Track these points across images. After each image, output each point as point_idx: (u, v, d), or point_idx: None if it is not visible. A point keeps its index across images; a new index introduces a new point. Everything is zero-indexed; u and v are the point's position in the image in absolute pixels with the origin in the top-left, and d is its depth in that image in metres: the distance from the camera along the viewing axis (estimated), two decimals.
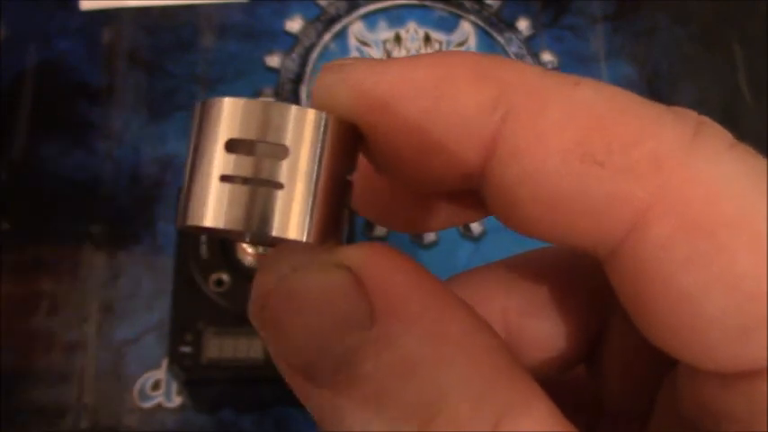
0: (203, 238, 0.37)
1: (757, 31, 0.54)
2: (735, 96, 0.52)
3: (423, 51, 0.52)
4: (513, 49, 0.52)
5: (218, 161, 0.13)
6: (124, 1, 0.51)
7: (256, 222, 0.13)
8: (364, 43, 0.52)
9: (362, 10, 0.53)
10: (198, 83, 0.50)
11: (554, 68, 0.52)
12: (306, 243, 0.14)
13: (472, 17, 0.53)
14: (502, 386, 0.13)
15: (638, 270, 0.13)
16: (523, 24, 0.53)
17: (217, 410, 0.42)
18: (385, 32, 0.52)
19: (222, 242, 0.37)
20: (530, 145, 0.13)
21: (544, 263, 0.18)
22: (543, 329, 0.17)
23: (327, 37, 0.52)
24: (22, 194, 0.46)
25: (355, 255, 0.14)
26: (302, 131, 0.14)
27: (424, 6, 0.53)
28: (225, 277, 0.37)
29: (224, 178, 0.13)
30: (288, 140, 0.13)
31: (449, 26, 0.53)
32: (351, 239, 0.39)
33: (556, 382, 0.14)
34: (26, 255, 0.45)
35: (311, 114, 0.14)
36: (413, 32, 0.52)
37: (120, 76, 0.50)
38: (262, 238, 0.15)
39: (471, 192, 0.15)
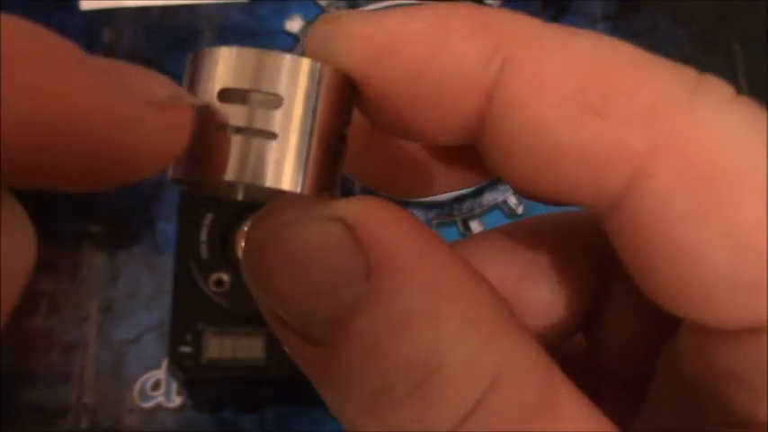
0: (203, 237, 0.37)
1: (757, 31, 0.54)
2: None
3: None
4: None
5: (209, 111, 0.13)
6: (124, 1, 0.51)
7: (250, 173, 0.13)
8: None
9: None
10: None
11: None
12: (300, 194, 0.13)
13: None
14: (500, 339, 0.13)
15: (639, 224, 0.13)
16: None
17: (217, 410, 0.42)
18: None
19: (222, 242, 0.37)
20: (527, 95, 0.13)
21: (542, 229, 0.17)
22: (541, 296, 0.17)
23: None
24: (22, 194, 0.46)
25: (351, 208, 0.13)
26: (296, 81, 0.13)
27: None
28: (225, 277, 0.37)
29: (216, 128, 0.13)
30: (282, 90, 0.13)
31: None
32: None
33: (555, 350, 0.14)
34: None
35: (306, 63, 0.13)
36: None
37: None
38: (255, 189, 0.15)
39: (469, 153, 0.15)
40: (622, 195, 0.13)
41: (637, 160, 0.12)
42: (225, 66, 0.13)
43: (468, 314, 0.13)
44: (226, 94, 0.13)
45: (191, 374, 0.36)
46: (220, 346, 0.37)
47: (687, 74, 0.13)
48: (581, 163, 0.13)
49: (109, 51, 0.50)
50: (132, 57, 0.50)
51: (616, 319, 0.17)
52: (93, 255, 0.45)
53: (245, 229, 0.37)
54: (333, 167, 0.14)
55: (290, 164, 0.13)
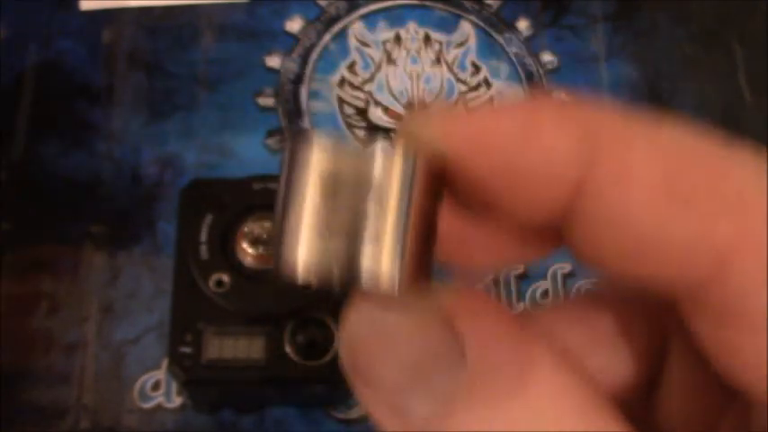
0: (203, 237, 0.37)
1: (757, 31, 0.54)
2: (735, 96, 0.52)
3: (423, 51, 0.52)
4: (513, 49, 0.52)
5: (308, 204, 0.14)
6: (124, 1, 0.51)
7: (344, 271, 0.13)
8: (364, 44, 0.52)
9: (362, 10, 0.53)
10: (198, 83, 0.50)
11: (554, 68, 0.52)
12: (396, 291, 0.14)
13: (472, 17, 0.53)
14: (592, 422, 0.13)
15: (722, 313, 0.13)
16: (523, 24, 0.53)
17: (217, 410, 0.42)
18: (385, 32, 0.52)
19: (222, 242, 0.37)
20: (616, 184, 0.13)
21: (606, 299, 0.18)
22: (604, 364, 0.18)
23: (327, 37, 0.52)
24: (22, 194, 0.46)
25: (445, 298, 0.14)
26: (390, 172, 0.14)
27: (424, 6, 0.53)
28: (225, 277, 0.37)
29: (311, 226, 0.14)
30: (377, 183, 0.13)
31: (449, 26, 0.53)
32: None
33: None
34: (26, 255, 0.45)
35: (399, 154, 0.14)
36: (413, 32, 0.52)
37: (120, 76, 0.50)
38: (352, 284, 0.15)
39: (546, 229, 0.15)
40: (706, 285, 0.13)
41: (722, 250, 0.13)
42: (321, 157, 0.14)
43: (562, 403, 0.14)
44: (322, 187, 0.14)
45: (191, 374, 0.36)
46: (220, 347, 0.37)
47: (757, 161, 0.14)
48: (666, 251, 0.13)
49: (109, 51, 0.50)
50: (132, 57, 0.50)
51: (678, 387, 0.17)
52: (93, 255, 0.45)
53: (246, 228, 0.37)
54: (427, 258, 0.14)
55: (386, 262, 0.13)
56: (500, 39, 0.52)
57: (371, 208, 0.13)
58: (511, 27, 0.53)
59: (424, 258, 0.14)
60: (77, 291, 0.44)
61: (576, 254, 0.15)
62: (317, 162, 0.14)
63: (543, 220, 0.15)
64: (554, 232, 0.15)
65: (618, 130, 0.14)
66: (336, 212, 0.13)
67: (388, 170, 0.13)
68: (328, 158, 0.14)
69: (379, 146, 0.14)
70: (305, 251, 0.14)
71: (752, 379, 0.13)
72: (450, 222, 0.17)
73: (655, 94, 0.52)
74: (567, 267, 0.46)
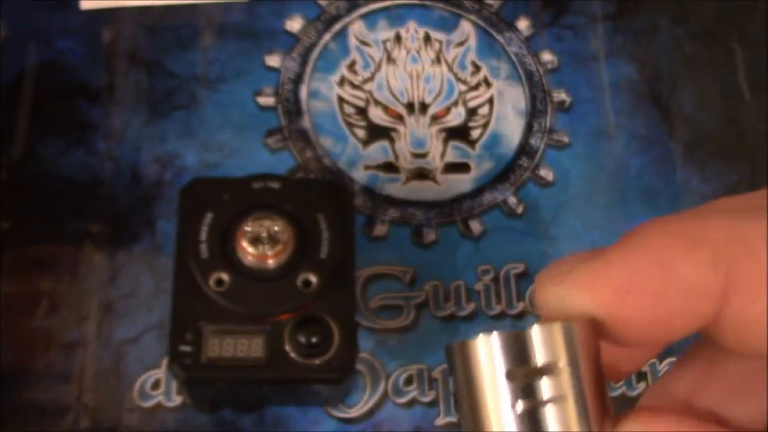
0: (203, 236, 0.37)
1: (757, 31, 0.54)
2: (735, 96, 0.52)
3: (423, 51, 0.52)
4: (513, 48, 0.52)
5: (501, 398, 0.15)
6: (124, 0, 0.51)
7: None
8: (364, 43, 0.52)
9: (362, 9, 0.53)
10: (198, 82, 0.50)
11: (554, 68, 0.52)
12: None
13: (472, 17, 0.53)
14: None
15: None
16: (523, 24, 0.53)
17: (217, 410, 0.42)
18: (385, 32, 0.52)
19: (222, 242, 0.37)
20: (756, 292, 0.15)
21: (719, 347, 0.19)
22: (748, 411, 0.18)
23: (327, 36, 0.52)
24: (22, 194, 0.46)
25: (633, 426, 0.16)
26: (556, 346, 0.15)
27: (424, 6, 0.53)
28: (225, 277, 0.37)
29: (506, 408, 0.15)
30: (549, 359, 0.15)
31: (449, 25, 0.53)
32: (350, 240, 0.39)
33: None
34: (26, 254, 0.45)
35: (558, 328, 0.15)
36: (413, 32, 0.52)
37: (120, 75, 0.50)
38: None
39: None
40: None
41: None
42: (495, 354, 0.15)
43: None
44: (507, 378, 0.15)
45: (191, 373, 0.36)
46: (220, 346, 0.37)
47: None
48: None
49: (109, 51, 0.50)
50: (132, 56, 0.50)
51: None
52: (93, 254, 0.45)
53: (246, 227, 0.37)
54: (606, 403, 0.16)
55: (574, 424, 0.15)
56: (500, 38, 0.52)
57: (555, 384, 0.15)
58: (511, 27, 0.53)
59: (605, 403, 0.16)
60: (77, 290, 0.44)
61: (729, 348, 0.16)
62: (484, 364, 0.15)
63: (686, 335, 0.16)
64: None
65: (742, 239, 0.15)
66: (528, 395, 0.15)
67: (558, 350, 0.15)
68: (492, 358, 0.15)
69: (542, 331, 0.15)
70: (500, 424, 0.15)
71: None
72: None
73: (655, 94, 0.52)
74: None
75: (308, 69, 0.51)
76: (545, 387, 0.15)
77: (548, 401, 0.15)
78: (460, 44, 0.52)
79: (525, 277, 0.46)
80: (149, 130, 0.48)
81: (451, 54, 0.52)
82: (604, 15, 0.54)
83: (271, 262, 0.37)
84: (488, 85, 0.51)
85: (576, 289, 0.16)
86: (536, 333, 0.15)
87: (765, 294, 0.15)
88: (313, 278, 0.37)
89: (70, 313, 0.44)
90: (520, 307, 0.46)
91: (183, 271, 0.37)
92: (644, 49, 0.53)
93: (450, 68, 0.51)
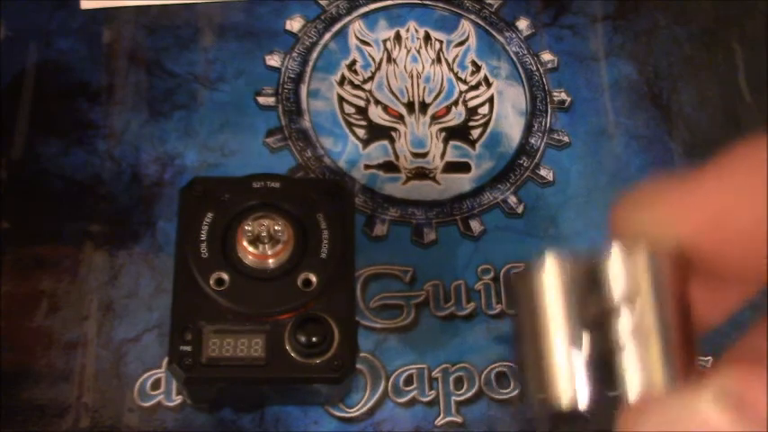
0: (203, 236, 0.37)
1: (757, 31, 0.54)
2: (735, 96, 0.52)
3: (423, 50, 0.52)
4: (513, 48, 0.52)
5: (568, 334, 0.13)
6: (124, 0, 0.51)
7: (627, 385, 0.13)
8: (365, 42, 0.52)
9: (363, 9, 0.53)
10: (198, 82, 0.50)
11: (554, 68, 0.52)
12: (677, 388, 0.14)
13: (472, 16, 0.53)
14: None
15: None
16: (523, 24, 0.53)
17: (217, 410, 0.42)
18: (385, 32, 0.52)
19: (222, 241, 0.37)
20: None
21: None
22: None
23: (328, 36, 0.52)
24: (22, 194, 0.46)
25: (727, 381, 0.14)
26: (638, 275, 0.13)
27: (424, 5, 0.53)
28: (225, 276, 0.37)
29: (579, 354, 0.13)
30: (631, 289, 0.13)
31: (449, 25, 0.53)
32: (350, 240, 0.39)
33: None
34: (26, 254, 0.45)
35: (643, 257, 0.13)
36: (413, 32, 0.52)
37: (120, 75, 0.50)
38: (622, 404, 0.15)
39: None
40: None
41: None
42: (565, 282, 0.14)
43: None
44: (577, 310, 0.13)
45: (191, 373, 0.36)
46: (220, 346, 0.36)
47: None
48: None
49: (109, 51, 0.50)
50: (132, 56, 0.50)
51: None
52: (93, 254, 0.45)
53: (246, 227, 0.37)
54: (693, 344, 0.14)
55: (657, 368, 0.13)
56: (500, 38, 0.52)
57: (633, 321, 0.13)
58: (511, 26, 0.53)
59: (691, 347, 0.14)
60: (77, 290, 0.44)
61: None
62: (558, 283, 0.14)
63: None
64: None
65: None
66: (602, 342, 0.13)
67: (632, 277, 0.13)
68: (567, 276, 0.14)
69: (622, 259, 0.13)
70: (580, 378, 0.13)
71: None
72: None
73: (655, 94, 0.52)
74: None
75: (309, 69, 0.51)
76: (623, 320, 0.13)
77: (626, 336, 0.13)
78: (460, 44, 0.52)
79: None
80: (149, 130, 0.48)
81: (451, 54, 0.52)
82: (604, 15, 0.54)
83: (271, 262, 0.37)
84: (488, 84, 0.51)
85: (666, 214, 0.14)
86: (616, 261, 0.13)
87: None
88: (313, 278, 0.37)
89: (70, 313, 0.44)
90: None
91: (184, 271, 0.37)
92: (644, 49, 0.53)
93: (451, 68, 0.51)
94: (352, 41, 0.52)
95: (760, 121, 0.51)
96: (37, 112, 0.48)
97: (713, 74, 0.53)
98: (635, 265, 0.13)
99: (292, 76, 0.50)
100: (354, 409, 0.43)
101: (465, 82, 0.51)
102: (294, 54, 0.51)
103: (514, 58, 0.52)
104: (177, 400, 0.42)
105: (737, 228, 0.14)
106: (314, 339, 0.36)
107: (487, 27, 0.53)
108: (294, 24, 0.52)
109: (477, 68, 0.52)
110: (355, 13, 0.52)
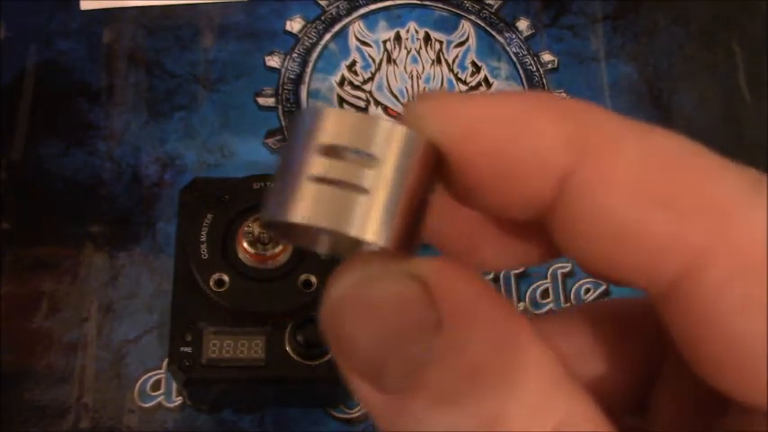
0: (203, 237, 0.37)
1: (757, 31, 0.54)
2: (735, 96, 0.52)
3: (423, 51, 0.52)
4: (513, 49, 0.52)
5: (310, 162, 0.14)
6: (124, 1, 0.51)
7: (339, 221, 0.14)
8: (365, 43, 0.52)
9: (362, 10, 0.53)
10: (198, 83, 0.50)
11: (554, 68, 0.52)
12: (381, 247, 0.14)
13: (472, 17, 0.53)
14: (562, 396, 0.14)
15: (693, 311, 0.14)
16: (523, 24, 0.53)
17: (217, 410, 0.42)
18: (385, 32, 0.52)
19: (222, 242, 0.37)
20: (600, 183, 0.14)
21: (604, 311, 0.18)
22: (597, 373, 0.18)
23: (328, 37, 0.52)
24: (22, 194, 0.46)
25: (427, 266, 0.14)
26: (391, 145, 0.14)
27: (425, 6, 0.53)
28: (225, 277, 0.37)
29: (313, 179, 0.14)
30: (377, 151, 0.14)
31: (449, 26, 0.53)
32: None
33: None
34: (26, 255, 0.45)
35: (401, 130, 0.14)
36: (413, 32, 0.52)
37: (120, 75, 0.50)
38: (339, 242, 0.16)
39: (539, 231, 0.16)
40: (678, 283, 0.14)
41: (694, 252, 0.13)
42: (327, 123, 0.14)
43: (532, 371, 0.14)
44: (326, 150, 0.14)
45: (191, 374, 0.36)
46: (220, 346, 0.37)
47: (748, 174, 0.14)
48: (641, 249, 0.14)
49: (109, 51, 0.50)
50: (132, 57, 0.50)
51: (670, 401, 0.18)
52: (93, 255, 0.45)
53: (246, 228, 0.37)
54: (414, 228, 0.15)
55: (376, 218, 0.14)
56: (500, 38, 0.52)
57: (371, 175, 0.14)
58: (511, 27, 0.53)
59: (411, 229, 0.15)
60: (77, 291, 0.44)
61: (560, 247, 0.15)
62: (321, 126, 0.14)
63: (530, 213, 0.15)
64: (546, 236, 0.15)
65: (609, 129, 0.14)
66: (334, 172, 0.14)
67: (388, 149, 0.14)
68: (333, 124, 0.14)
69: (386, 125, 0.14)
70: (302, 197, 0.14)
71: (719, 374, 0.14)
72: (451, 218, 0.18)
73: (655, 94, 0.52)
74: (567, 267, 0.46)
75: (309, 70, 0.51)
76: (358, 173, 0.14)
77: (355, 188, 0.14)
78: (460, 44, 0.52)
79: (525, 277, 0.46)
80: (149, 131, 0.48)
81: (451, 54, 0.52)
82: (604, 15, 0.54)
83: (271, 262, 0.37)
84: (488, 85, 0.51)
85: (433, 112, 0.15)
86: (376, 123, 0.14)
87: (598, 193, 0.14)
88: (313, 278, 0.37)
89: (71, 314, 0.44)
90: (520, 307, 0.46)
91: (184, 271, 0.37)
92: (644, 49, 0.53)
93: (451, 69, 0.51)
94: (352, 42, 0.52)
95: (760, 121, 0.51)
96: (37, 113, 0.48)
97: (713, 74, 0.53)
98: (390, 133, 0.14)
99: (292, 76, 0.50)
100: (355, 411, 0.43)
101: (465, 83, 0.51)
102: (294, 55, 0.51)
103: (514, 59, 0.52)
104: (177, 401, 0.42)
105: (483, 147, 0.15)
106: (314, 340, 0.36)
107: (487, 28, 0.53)
108: (294, 25, 0.52)
109: (478, 69, 0.52)
110: (355, 14, 0.52)
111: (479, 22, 0.53)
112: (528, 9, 0.54)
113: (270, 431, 0.42)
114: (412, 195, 0.14)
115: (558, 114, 0.14)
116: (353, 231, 0.14)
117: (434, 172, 0.15)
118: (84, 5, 0.51)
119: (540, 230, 0.16)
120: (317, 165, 0.14)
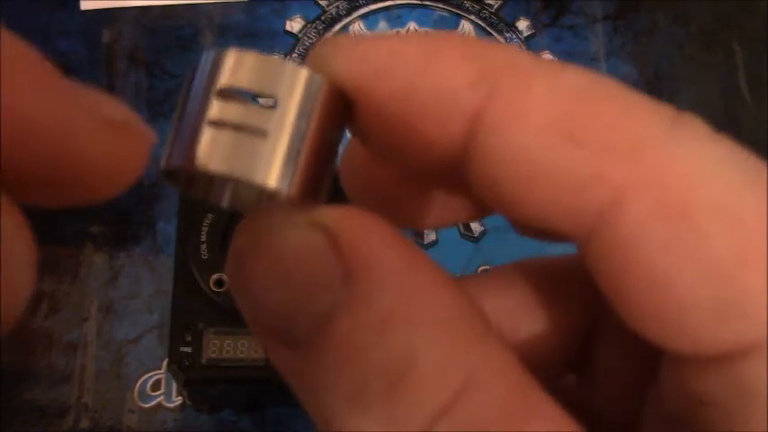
0: (203, 237, 0.37)
1: (757, 31, 0.54)
2: (735, 96, 0.52)
3: None
4: None
5: (209, 106, 0.13)
6: (125, 1, 0.51)
7: (238, 167, 0.13)
8: None
9: (363, 10, 0.53)
10: None
11: None
12: (285, 196, 0.13)
13: (472, 17, 0.53)
14: (473, 344, 0.13)
15: (615, 252, 0.13)
16: (523, 24, 0.53)
17: (217, 410, 0.42)
18: (385, 32, 0.52)
19: (222, 242, 0.37)
20: (511, 121, 0.13)
21: (539, 269, 0.18)
22: (533, 331, 0.17)
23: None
24: None
25: (331, 215, 0.13)
26: (294, 88, 0.13)
27: (424, 6, 0.53)
28: (225, 277, 0.37)
29: (212, 123, 0.13)
30: (279, 94, 0.13)
31: (449, 26, 0.53)
32: None
33: (547, 390, 0.14)
34: None
35: (305, 73, 0.14)
36: (413, 32, 0.52)
37: (120, 76, 0.50)
38: (241, 193, 0.15)
39: (465, 189, 0.15)
40: (598, 223, 0.13)
41: (612, 189, 0.13)
42: (227, 66, 0.14)
43: (441, 319, 0.13)
44: (224, 93, 0.13)
45: (191, 374, 0.36)
46: (220, 347, 0.37)
47: (666, 111, 0.14)
48: (559, 190, 0.13)
49: (109, 51, 0.50)
50: (132, 57, 0.50)
51: (606, 359, 0.17)
52: (93, 255, 0.45)
53: None
54: (320, 177, 0.14)
55: (278, 164, 0.13)
56: (500, 39, 0.52)
57: (273, 119, 0.13)
58: (511, 27, 0.53)
59: (317, 177, 0.14)
60: (77, 291, 0.44)
61: (482, 198, 0.14)
62: (222, 68, 0.14)
63: (444, 161, 0.14)
64: (470, 193, 0.15)
65: (519, 68, 0.14)
66: (234, 115, 0.13)
67: (291, 91, 0.13)
68: (235, 67, 0.14)
69: (288, 67, 0.14)
70: (200, 143, 0.13)
71: (645, 320, 0.13)
72: (370, 176, 0.17)
73: (655, 94, 0.52)
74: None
75: None
76: (260, 118, 0.13)
77: (256, 132, 0.13)
78: None
79: None
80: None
81: None
82: (604, 15, 0.54)
83: None
84: None
85: (339, 52, 0.14)
86: (279, 66, 0.13)
87: (511, 132, 0.13)
88: None
89: (71, 314, 0.44)
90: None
91: (183, 271, 0.37)
92: (644, 49, 0.53)
93: None
94: None
95: (760, 121, 0.51)
96: None
97: (713, 74, 0.53)
98: (294, 76, 0.14)
99: None
100: None
101: None
102: (294, 55, 0.51)
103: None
104: (177, 401, 0.42)
105: (388, 89, 0.14)
106: None
107: (487, 28, 0.53)
108: (294, 25, 0.52)
109: None
110: (355, 14, 0.52)
111: (479, 22, 0.53)
112: (528, 9, 0.54)
113: (270, 431, 0.42)
114: (317, 141, 0.14)
115: (468, 52, 0.14)
116: (253, 177, 0.13)
117: (341, 117, 0.14)
118: (84, 5, 0.51)
119: (462, 187, 0.15)
120: (217, 108, 0.13)
